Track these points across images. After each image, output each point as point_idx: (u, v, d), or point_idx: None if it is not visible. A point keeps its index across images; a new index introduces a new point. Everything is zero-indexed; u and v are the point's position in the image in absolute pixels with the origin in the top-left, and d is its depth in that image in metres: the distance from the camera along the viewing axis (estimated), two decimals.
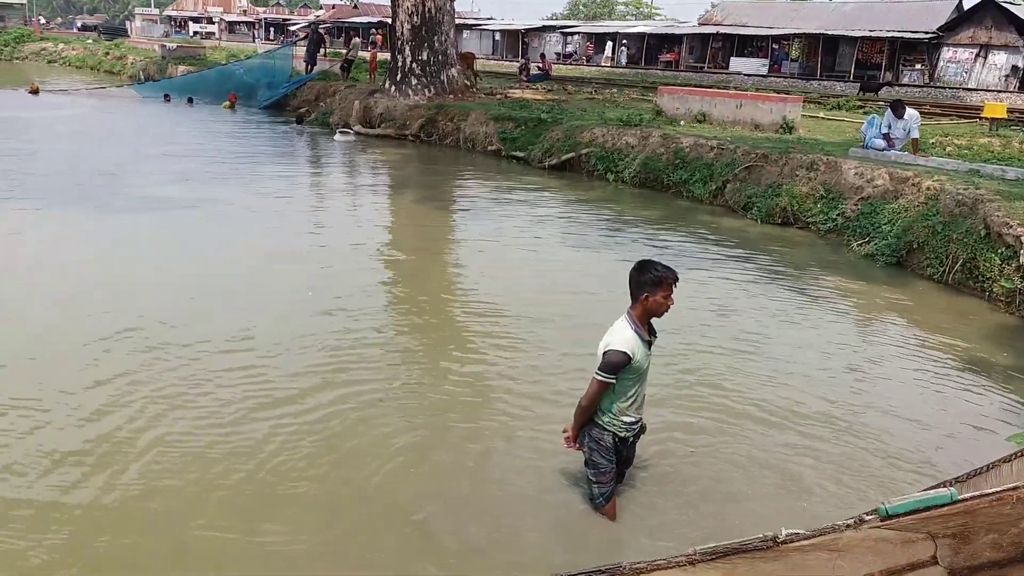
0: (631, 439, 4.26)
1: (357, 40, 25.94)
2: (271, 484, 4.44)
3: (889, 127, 12.60)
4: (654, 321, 4.12)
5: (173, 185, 12.86)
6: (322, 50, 28.12)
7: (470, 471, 4.72)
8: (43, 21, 64.68)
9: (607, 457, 4.17)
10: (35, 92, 27.51)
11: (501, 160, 17.10)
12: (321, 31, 31.60)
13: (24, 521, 4.00)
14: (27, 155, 15.24)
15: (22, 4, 60.54)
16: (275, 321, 6.87)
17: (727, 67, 37.15)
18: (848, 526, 1.79)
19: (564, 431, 4.31)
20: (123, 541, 3.93)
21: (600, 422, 4.14)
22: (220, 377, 5.69)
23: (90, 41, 51.23)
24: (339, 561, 3.90)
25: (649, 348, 4.10)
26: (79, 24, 77.10)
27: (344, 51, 27.19)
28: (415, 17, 20.97)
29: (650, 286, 3.96)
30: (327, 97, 23.56)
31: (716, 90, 19.98)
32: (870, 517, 1.84)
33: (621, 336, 3.99)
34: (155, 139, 18.61)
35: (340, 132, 20.13)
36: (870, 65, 34.24)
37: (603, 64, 41.61)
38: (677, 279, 4.01)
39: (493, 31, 51.57)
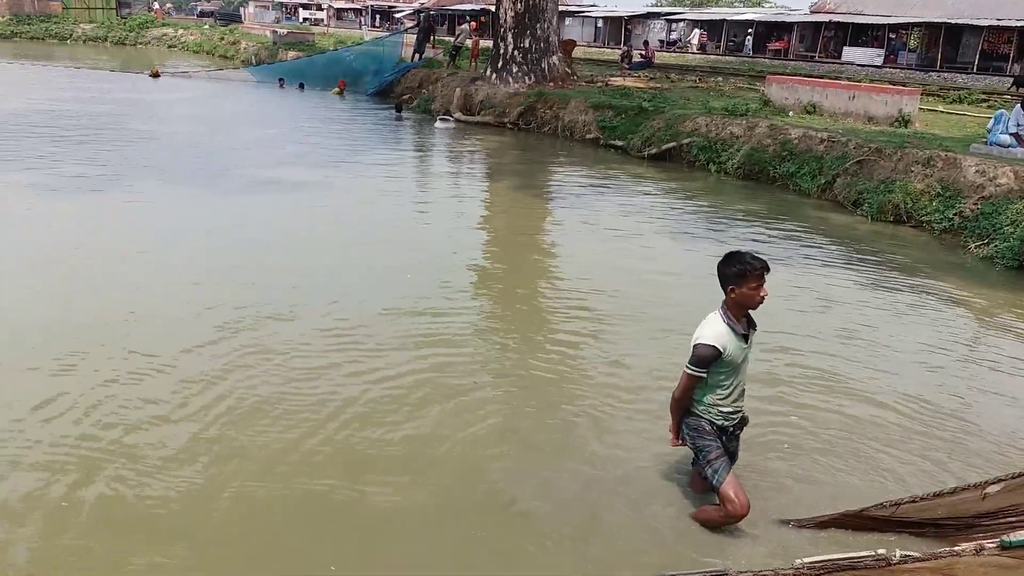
0: (731, 429, 4.13)
1: (465, 27, 26.09)
2: (368, 454, 4.53)
3: (1018, 124, 11.84)
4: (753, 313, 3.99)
5: (282, 167, 13.29)
6: (431, 38, 28.39)
7: (567, 459, 4.70)
8: (167, 6, 67.78)
9: (710, 439, 4.04)
10: (156, 76, 28.86)
11: (599, 149, 16.95)
12: (432, 19, 32.00)
13: (166, 466, 4.22)
14: (147, 137, 16.00)
15: None
16: (373, 301, 7.01)
17: (839, 57, 35.67)
18: (966, 552, 1.68)
19: (670, 430, 4.24)
20: (255, 486, 4.10)
21: (695, 411, 4.07)
22: (313, 353, 5.84)
23: (207, 27, 53.39)
24: (441, 533, 3.98)
25: (746, 341, 3.96)
26: (198, 10, 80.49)
27: (452, 38, 27.41)
28: (519, 4, 20.96)
29: (735, 278, 3.83)
30: (429, 84, 23.85)
31: (827, 80, 19.21)
32: (991, 545, 1.72)
33: (712, 330, 3.88)
34: (266, 123, 19.29)
35: (440, 119, 20.36)
36: (996, 56, 32.25)
37: (707, 53, 40.66)
38: (766, 269, 3.83)
39: (596, 18, 51.04)
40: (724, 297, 3.92)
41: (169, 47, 48.97)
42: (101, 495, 4.12)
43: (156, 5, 65.60)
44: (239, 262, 8.11)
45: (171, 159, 13.72)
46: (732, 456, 4.22)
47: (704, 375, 3.91)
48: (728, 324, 3.88)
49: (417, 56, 26.54)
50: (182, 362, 5.61)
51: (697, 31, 41.18)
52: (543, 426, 5.08)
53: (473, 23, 35.42)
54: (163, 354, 5.71)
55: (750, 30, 41.06)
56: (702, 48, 41.41)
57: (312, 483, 4.33)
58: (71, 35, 51.06)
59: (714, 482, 3.99)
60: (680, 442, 4.18)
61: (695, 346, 3.91)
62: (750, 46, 39.89)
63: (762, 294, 3.84)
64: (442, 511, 4.19)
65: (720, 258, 3.95)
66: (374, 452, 4.65)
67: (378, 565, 3.82)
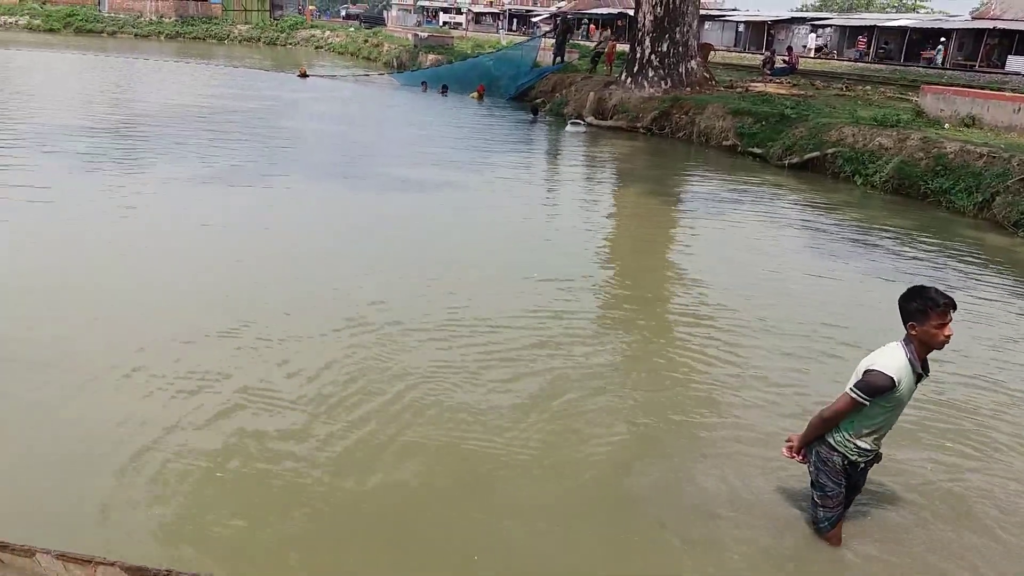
0: (863, 465, 3.85)
1: (608, 31, 25.92)
2: (506, 455, 4.51)
3: None
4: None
5: (418, 167, 13.58)
6: (568, 39, 28.40)
7: (692, 470, 4.58)
8: (313, 8, 70.91)
9: (835, 480, 3.82)
10: (304, 76, 30.15)
11: (736, 156, 16.43)
12: (570, 23, 32.04)
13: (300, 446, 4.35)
14: (293, 134, 16.73)
15: None
16: (500, 301, 7.00)
17: (1003, 66, 33.25)
18: None
19: (788, 440, 4.00)
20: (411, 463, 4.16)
21: (831, 440, 3.81)
22: (438, 346, 5.87)
23: (352, 29, 55.54)
24: (571, 530, 3.91)
25: (917, 382, 3.67)
26: (343, 13, 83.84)
27: (595, 42, 27.25)
28: (658, 8, 20.62)
29: (917, 315, 3.55)
30: (563, 88, 23.85)
31: (989, 91, 17.90)
32: None
33: (893, 360, 3.60)
34: (406, 124, 19.85)
35: (571, 123, 20.30)
36: None
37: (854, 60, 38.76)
38: (952, 307, 3.52)
39: (736, 22, 49.72)
40: (905, 332, 3.66)
41: (316, 48, 51.24)
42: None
43: (311, 7, 68.76)
44: (364, 256, 8.31)
45: (316, 156, 14.29)
46: (856, 488, 3.96)
47: (867, 403, 3.65)
48: (910, 359, 3.60)
49: (558, 59, 26.59)
50: (323, 347, 5.77)
51: (812, 35, 39.20)
52: (670, 433, 4.97)
53: (592, 26, 35.14)
54: (311, 340, 5.89)
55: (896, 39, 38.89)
56: (819, 52, 39.60)
57: (440, 479, 4.34)
58: (228, 35, 54.27)
59: (820, 527, 3.92)
60: (800, 458, 3.95)
61: (868, 372, 3.62)
62: (891, 54, 37.78)
63: (946, 333, 3.55)
64: (573, 510, 4.18)
65: (902, 292, 3.68)
66: (501, 451, 4.62)
67: (517, 556, 3.83)
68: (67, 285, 6.89)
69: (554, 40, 27.92)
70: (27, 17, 53.26)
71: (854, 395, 3.65)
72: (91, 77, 27.25)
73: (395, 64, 36.35)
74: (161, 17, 55.73)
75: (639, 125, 19.58)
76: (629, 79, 21.28)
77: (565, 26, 28.67)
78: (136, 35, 52.83)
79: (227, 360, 5.58)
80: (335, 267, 7.88)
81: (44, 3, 56.90)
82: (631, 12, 27.66)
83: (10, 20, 52.83)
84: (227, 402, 4.99)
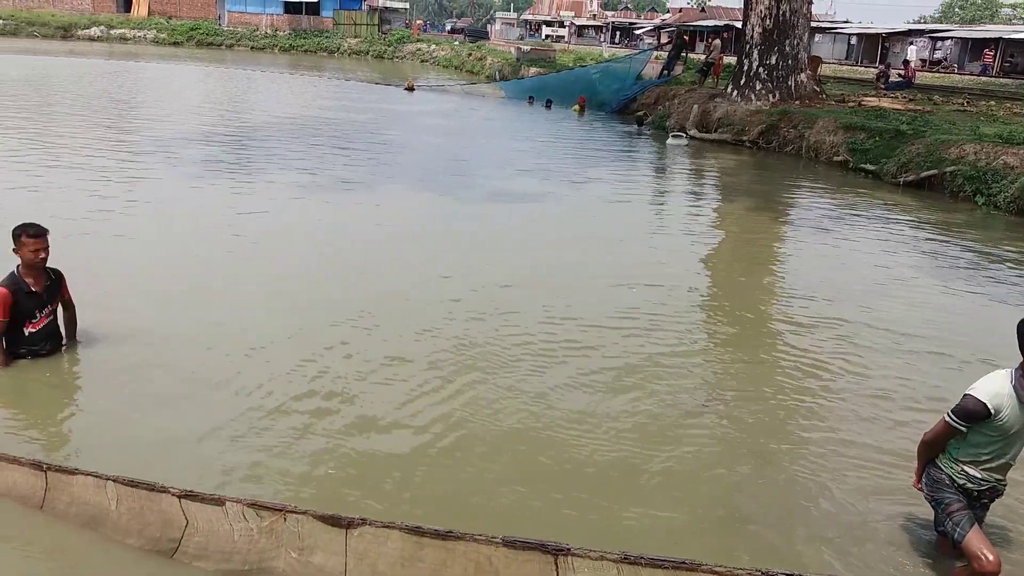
0: (976, 493, 3.59)
1: (718, 42, 25.46)
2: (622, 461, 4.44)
3: None
4: None
5: (518, 178, 13.67)
6: (683, 55, 27.99)
7: (799, 492, 4.41)
8: (418, 22, 72.59)
9: (950, 492, 3.59)
10: (411, 89, 30.73)
11: (847, 172, 15.84)
12: (685, 37, 31.64)
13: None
14: (398, 146, 17.10)
15: (405, 8, 68.41)
16: (599, 313, 6.93)
17: None
18: None
19: (915, 471, 3.83)
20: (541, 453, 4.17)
21: (939, 463, 3.64)
22: (534, 364, 5.84)
23: (456, 43, 56.51)
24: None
25: None
26: (448, 27, 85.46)
27: (704, 55, 26.79)
28: (767, 20, 20.14)
29: None
30: (666, 101, 23.58)
31: None
32: None
33: (990, 386, 3.39)
34: (509, 136, 20.04)
35: (673, 136, 20.02)
36: None
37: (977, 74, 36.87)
38: None
39: (848, 35, 48.12)
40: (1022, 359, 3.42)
41: (422, 61, 52.39)
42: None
43: (419, 21, 70.43)
44: (466, 265, 8.37)
45: (419, 166, 14.56)
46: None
47: (963, 430, 3.45)
48: (1015, 388, 3.36)
49: (665, 72, 26.30)
50: (432, 347, 5.84)
51: (913, 48, 37.30)
52: (780, 451, 4.81)
53: (686, 37, 34.49)
54: (427, 337, 5.99)
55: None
56: (936, 66, 37.68)
57: (548, 493, 4.30)
58: (338, 48, 56.11)
59: (955, 536, 3.52)
60: (919, 486, 3.78)
61: (964, 395, 3.45)
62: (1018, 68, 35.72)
63: None
64: (685, 528, 4.11)
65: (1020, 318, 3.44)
66: (608, 462, 4.54)
67: None
68: (199, 285, 7.25)
69: (667, 54, 27.66)
70: (154, 31, 56.50)
71: (949, 419, 3.50)
72: (210, 88, 28.65)
73: (496, 78, 36.74)
74: (276, 31, 58.14)
75: (744, 139, 19.14)
76: (735, 91, 20.85)
77: (680, 40, 28.32)
78: (252, 48, 55.28)
79: (353, 352, 5.85)
80: (431, 271, 7.97)
81: (170, 18, 60.27)
82: (738, 24, 27.09)
83: (139, 34, 56.15)
84: (359, 391, 5.17)
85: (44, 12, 58.97)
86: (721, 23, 48.73)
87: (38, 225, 5.20)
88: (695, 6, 61.73)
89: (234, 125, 18.55)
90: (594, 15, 77.18)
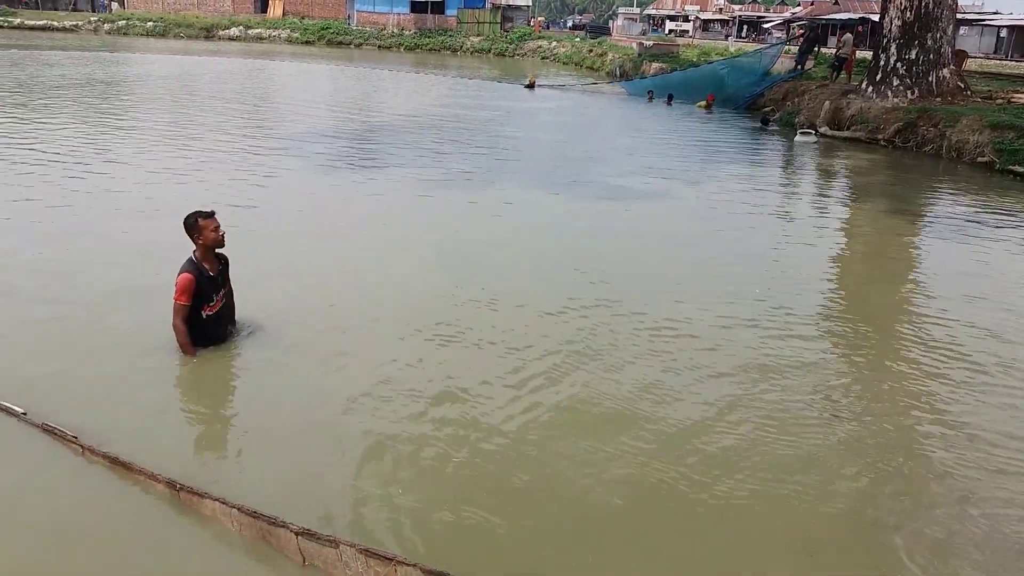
0: None
1: (848, 36, 24.32)
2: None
3: None
4: None
5: (635, 176, 13.47)
6: (816, 50, 26.87)
7: (937, 514, 4.14)
8: (541, 20, 72.81)
9: None
10: (531, 87, 30.80)
11: (993, 175, 14.80)
12: (819, 32, 30.40)
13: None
14: (517, 143, 17.19)
15: (527, 6, 68.78)
16: (717, 315, 6.72)
17: None
18: None
19: None
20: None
21: None
22: (648, 364, 5.70)
23: (577, 39, 56.38)
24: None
25: None
26: (570, 23, 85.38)
27: (836, 49, 25.63)
28: (908, 13, 19.04)
29: None
30: (795, 97, 22.72)
31: None
32: None
33: None
34: (627, 133, 19.76)
35: (801, 133, 19.24)
36: None
37: None
38: None
39: (998, 27, 45.01)
40: None
41: (542, 58, 52.53)
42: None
43: (540, 19, 70.71)
44: (579, 258, 8.30)
45: (536, 163, 14.57)
46: None
47: None
48: None
49: (798, 67, 25.33)
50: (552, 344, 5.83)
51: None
52: (917, 470, 4.52)
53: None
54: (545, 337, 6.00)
55: None
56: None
57: (670, 508, 4.20)
58: (461, 47, 57.02)
59: None
60: None
61: None
62: None
63: None
64: (820, 547, 3.91)
65: None
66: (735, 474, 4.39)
67: None
68: (333, 275, 7.56)
69: (798, 47, 26.64)
70: (288, 31, 59.07)
71: None
72: (339, 86, 29.68)
73: (617, 73, 36.36)
74: (402, 30, 59.66)
75: (879, 137, 18.20)
76: (870, 87, 19.83)
77: (814, 34, 27.22)
78: (379, 47, 56.93)
79: (481, 345, 5.96)
80: (547, 267, 7.94)
81: (303, 18, 62.87)
82: (874, 17, 25.78)
83: (274, 33, 58.85)
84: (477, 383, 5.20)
85: (189, 14, 62.71)
86: (856, 16, 46.56)
87: (204, 210, 5.54)
88: None
89: (361, 122, 19.12)
90: (720, 9, 75.28)
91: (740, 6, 77.65)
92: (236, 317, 5.94)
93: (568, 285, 7.53)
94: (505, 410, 5.03)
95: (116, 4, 66.37)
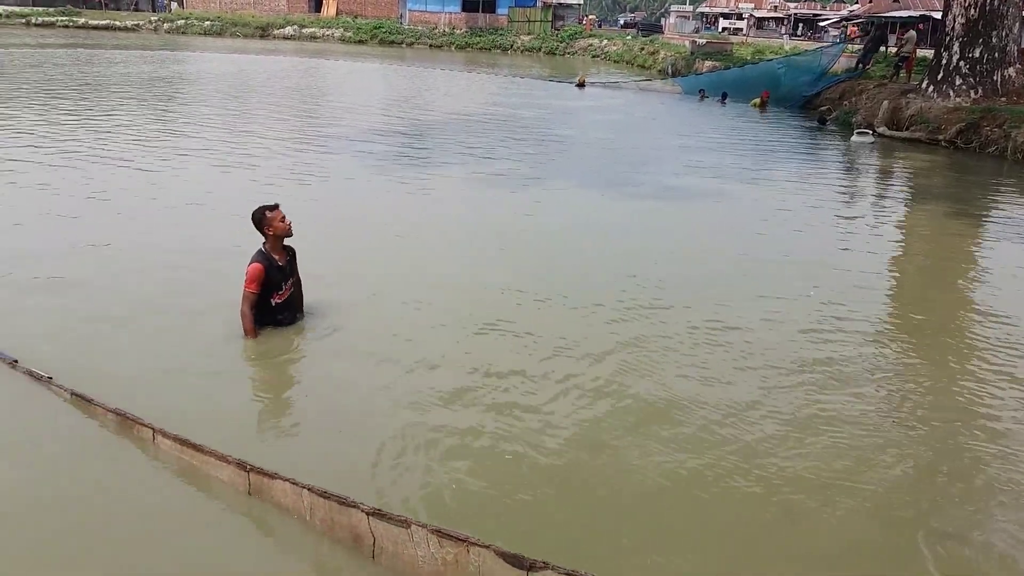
0: None
1: (912, 34, 23.70)
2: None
3: None
4: None
5: (687, 175, 13.33)
6: (880, 49, 26.26)
7: (987, 526, 3.96)
8: (591, 17, 72.45)
9: None
10: (581, 86, 30.60)
11: None
12: (884, 31, 29.75)
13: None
14: (566, 141, 17.14)
15: (579, 4, 68.50)
16: (770, 316, 6.61)
17: None
18: None
19: None
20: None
21: None
22: (701, 372, 5.63)
23: (629, 37, 56.01)
24: None
25: None
26: (621, 21, 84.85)
27: (897, 47, 25.00)
28: (972, 10, 18.50)
29: None
30: (852, 96, 22.26)
31: None
32: None
33: None
34: (679, 132, 19.58)
35: (858, 133, 18.81)
36: None
37: None
38: None
39: None
40: None
41: (593, 57, 52.30)
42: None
43: (591, 17, 70.40)
44: (627, 257, 8.24)
45: (586, 162, 14.52)
46: None
47: None
48: None
49: (860, 66, 24.78)
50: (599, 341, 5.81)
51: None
52: (969, 481, 4.36)
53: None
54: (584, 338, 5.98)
55: None
56: None
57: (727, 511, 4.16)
58: (511, 46, 56.99)
59: None
60: None
61: None
62: None
63: None
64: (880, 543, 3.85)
65: None
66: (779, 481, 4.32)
67: None
68: (393, 269, 7.69)
69: (862, 46, 26.08)
70: (341, 30, 59.75)
71: None
72: (391, 85, 29.92)
73: (669, 72, 36.03)
74: (453, 29, 59.91)
75: (940, 138, 17.72)
76: (931, 87, 19.32)
77: (880, 32, 26.60)
78: (430, 45, 57.23)
79: (534, 342, 5.95)
80: (599, 265, 7.90)
81: (356, 17, 63.55)
82: (936, 15, 25.11)
83: (327, 32, 59.56)
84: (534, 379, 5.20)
85: (246, 14, 63.84)
86: (916, 13, 45.42)
87: (268, 204, 5.81)
88: None
89: (413, 120, 19.24)
90: (775, 7, 74.07)
91: (796, 4, 76.30)
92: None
93: (619, 282, 7.51)
94: (557, 401, 5.08)
95: (175, 4, 67.92)
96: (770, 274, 8.10)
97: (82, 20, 61.48)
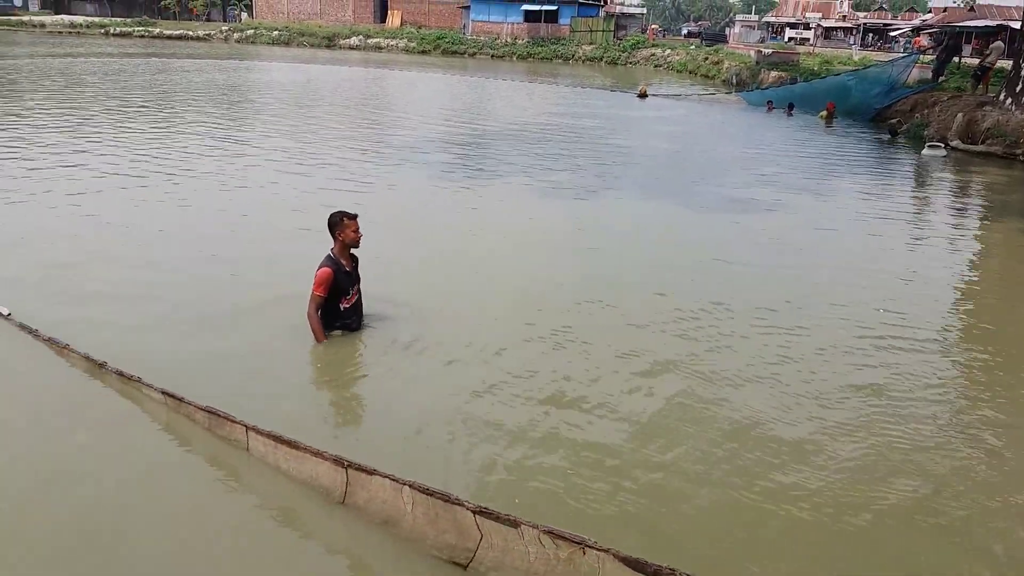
0: None
1: (999, 43, 22.85)
2: None
3: None
4: None
5: (752, 188, 13.09)
6: (955, 60, 25.42)
7: None
8: (653, 26, 71.95)
9: None
10: (643, 96, 30.30)
11: None
12: (958, 41, 28.89)
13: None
14: (627, 152, 17.01)
15: (642, 14, 68.22)
16: (839, 329, 6.43)
17: None
18: None
19: None
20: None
21: None
22: (769, 393, 5.48)
23: (692, 47, 55.48)
24: None
25: None
26: (684, 31, 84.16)
27: (980, 58, 24.15)
28: None
29: None
30: (924, 108, 21.61)
31: None
32: None
33: None
34: (744, 144, 19.26)
35: (929, 146, 18.22)
36: None
37: None
38: None
39: None
40: None
41: (655, 66, 51.95)
42: None
43: (654, 26, 70.00)
44: (691, 269, 8.13)
45: (648, 173, 14.39)
46: None
47: None
48: None
49: (939, 78, 24.06)
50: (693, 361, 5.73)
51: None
52: None
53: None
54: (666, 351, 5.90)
55: None
56: None
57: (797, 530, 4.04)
58: (573, 55, 56.93)
59: None
60: None
61: None
62: None
63: None
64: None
65: None
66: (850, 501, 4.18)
67: None
68: (452, 277, 7.74)
69: (934, 57, 25.35)
70: (405, 40, 60.58)
71: None
72: (454, 95, 30.17)
73: (733, 82, 35.54)
74: (515, 39, 60.17)
75: (1018, 152, 17.08)
76: (1009, 99, 18.66)
77: (954, 42, 25.81)
78: (492, 56, 57.58)
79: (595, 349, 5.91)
80: (662, 274, 7.79)
81: (419, 27, 64.37)
82: (1015, 24, 24.28)
83: (392, 43, 60.45)
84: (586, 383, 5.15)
85: (312, 24, 65.31)
86: (993, 23, 43.98)
87: (349, 211, 5.94)
88: (962, 5, 56.41)
89: (475, 130, 19.34)
90: (844, 16, 72.60)
91: (865, 13, 74.66)
92: (364, 309, 6.27)
93: (684, 292, 7.47)
94: (636, 405, 5.11)
95: (245, 14, 69.76)
96: (838, 289, 7.87)
97: (157, 30, 63.64)
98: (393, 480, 3.72)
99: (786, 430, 4.96)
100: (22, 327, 5.85)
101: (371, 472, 3.81)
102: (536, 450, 4.58)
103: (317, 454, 4.03)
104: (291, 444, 4.14)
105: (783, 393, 5.46)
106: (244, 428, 4.38)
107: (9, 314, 6.04)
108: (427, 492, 3.58)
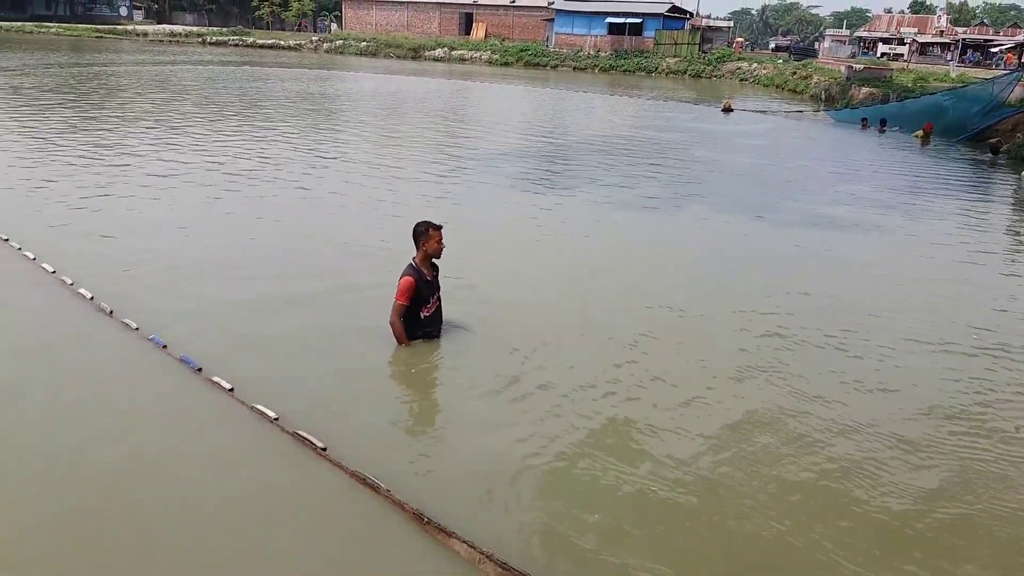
0: None
1: None
2: None
3: None
4: None
5: (836, 205, 12.73)
6: None
7: None
8: (741, 40, 70.81)
9: None
10: (727, 111, 29.78)
11: None
12: None
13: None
14: (711, 166, 16.74)
15: (728, 27, 67.25)
16: (930, 357, 6.17)
17: None
18: None
19: None
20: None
21: None
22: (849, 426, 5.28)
23: (780, 61, 54.40)
24: None
25: None
26: (772, 45, 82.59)
27: None
28: None
29: None
30: None
31: None
32: None
33: None
34: (832, 162, 18.79)
35: None
36: None
37: None
38: None
39: None
40: None
41: (740, 80, 51.13)
42: None
43: (739, 39, 68.96)
44: (770, 287, 7.92)
45: (732, 188, 14.12)
46: None
47: None
48: None
49: None
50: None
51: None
52: None
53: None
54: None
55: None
56: None
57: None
58: (656, 68, 56.49)
59: None
60: None
61: None
62: None
63: None
64: None
65: None
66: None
67: None
68: (529, 289, 7.81)
69: None
70: (488, 52, 61.18)
71: None
72: (536, 107, 30.35)
73: (822, 97, 34.66)
74: (598, 51, 60.09)
75: None
76: None
77: None
78: (574, 68, 57.65)
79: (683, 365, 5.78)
80: (743, 292, 7.61)
81: (503, 40, 64.92)
82: None
83: (475, 55, 61.15)
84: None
85: (399, 35, 66.67)
86: None
87: (435, 221, 6.04)
88: None
89: (555, 142, 19.34)
90: (941, 31, 70.01)
91: (965, 28, 71.88)
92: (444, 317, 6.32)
93: (767, 312, 7.30)
94: (708, 425, 4.97)
95: (334, 25, 71.68)
96: (929, 313, 7.58)
97: (251, 39, 65.97)
98: (471, 547, 3.62)
99: (911, 476, 4.76)
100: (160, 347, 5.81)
101: (449, 534, 3.73)
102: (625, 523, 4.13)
103: (398, 504, 3.95)
104: (374, 487, 4.06)
105: (863, 416, 5.25)
106: (328, 461, 4.33)
107: (137, 328, 6.03)
108: (505, 568, 3.46)
